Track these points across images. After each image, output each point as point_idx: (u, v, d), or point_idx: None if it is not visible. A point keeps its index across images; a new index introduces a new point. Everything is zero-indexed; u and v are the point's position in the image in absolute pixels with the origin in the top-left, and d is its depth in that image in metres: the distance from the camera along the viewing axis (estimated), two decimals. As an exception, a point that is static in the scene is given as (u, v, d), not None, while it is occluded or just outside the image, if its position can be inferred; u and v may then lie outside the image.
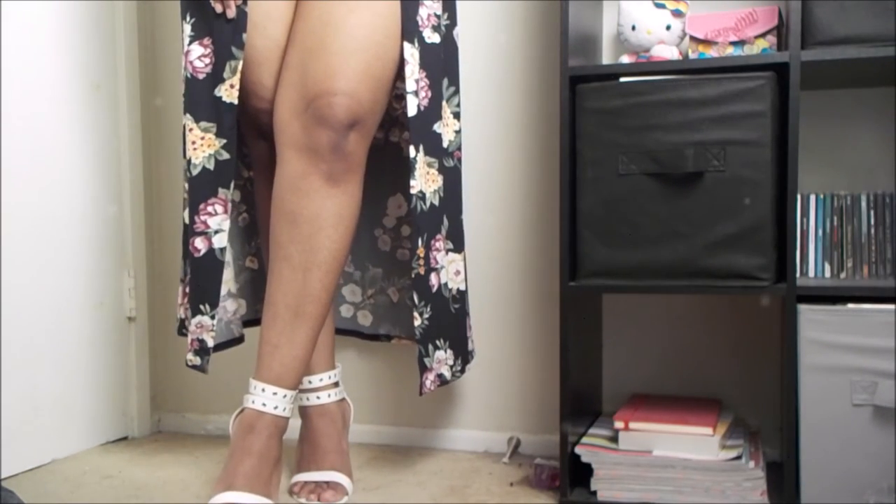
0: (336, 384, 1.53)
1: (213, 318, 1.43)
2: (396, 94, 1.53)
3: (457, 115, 1.52)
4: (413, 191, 1.40)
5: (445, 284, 1.48)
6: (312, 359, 1.50)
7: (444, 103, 1.49)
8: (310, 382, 1.50)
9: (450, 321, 1.49)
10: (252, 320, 1.68)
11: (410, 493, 1.46)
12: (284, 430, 1.37)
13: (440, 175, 1.47)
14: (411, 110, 1.39)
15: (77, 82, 1.75)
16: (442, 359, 1.46)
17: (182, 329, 1.55)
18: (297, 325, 1.35)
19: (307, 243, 1.34)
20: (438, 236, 1.46)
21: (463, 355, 1.52)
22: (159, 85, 1.95)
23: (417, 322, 1.41)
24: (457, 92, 1.52)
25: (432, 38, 1.44)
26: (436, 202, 1.46)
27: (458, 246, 1.53)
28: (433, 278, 1.44)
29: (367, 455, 1.71)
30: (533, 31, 1.70)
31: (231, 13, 1.37)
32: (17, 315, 1.61)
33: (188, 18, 1.40)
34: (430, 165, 1.44)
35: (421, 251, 1.40)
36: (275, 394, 1.34)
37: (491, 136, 1.73)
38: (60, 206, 1.71)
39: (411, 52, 1.39)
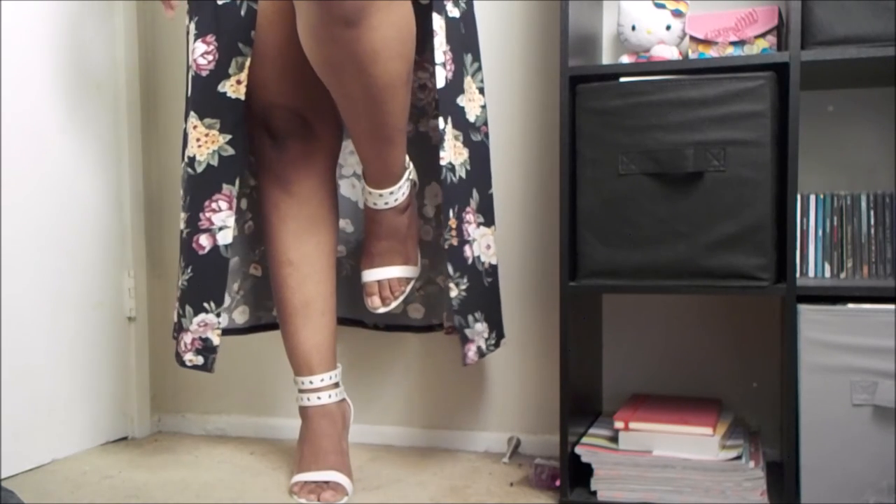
0: (337, 384, 1.53)
1: (218, 316, 1.42)
2: (420, 84, 1.52)
3: (481, 91, 1.52)
4: (443, 162, 1.39)
5: (478, 258, 1.48)
6: (313, 359, 1.50)
7: (468, 78, 1.49)
8: (311, 382, 1.50)
9: (484, 294, 1.49)
10: (255, 326, 1.69)
11: (410, 493, 1.46)
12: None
13: (466, 148, 1.46)
14: (440, 82, 1.38)
15: (77, 82, 1.75)
16: (480, 331, 1.46)
17: (176, 331, 1.54)
18: (379, 146, 1.36)
19: (355, 83, 1.26)
20: (468, 209, 1.46)
21: (497, 329, 1.53)
22: (159, 85, 1.95)
23: (454, 293, 1.41)
24: (480, 68, 1.51)
25: (453, 12, 1.43)
26: (464, 175, 1.45)
27: (489, 220, 1.52)
28: (467, 250, 1.44)
29: (367, 455, 1.71)
30: (533, 31, 1.70)
31: None
32: (17, 315, 1.61)
33: (192, 17, 1.40)
34: (456, 138, 1.44)
35: (453, 222, 1.40)
36: (383, 194, 1.41)
37: (491, 136, 1.73)
38: (60, 206, 1.71)
39: (440, 24, 1.38)
